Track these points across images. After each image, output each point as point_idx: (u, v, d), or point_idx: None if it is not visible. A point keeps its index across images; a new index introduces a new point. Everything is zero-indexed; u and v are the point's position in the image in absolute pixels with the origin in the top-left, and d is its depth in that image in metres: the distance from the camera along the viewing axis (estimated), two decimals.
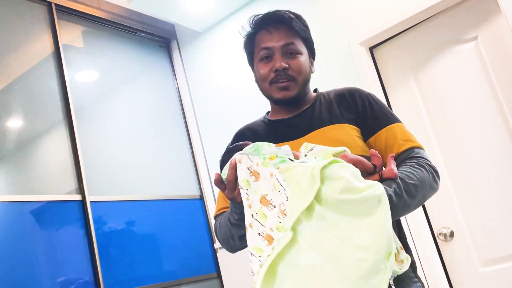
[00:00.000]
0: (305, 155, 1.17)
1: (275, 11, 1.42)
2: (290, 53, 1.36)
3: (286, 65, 1.35)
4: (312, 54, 1.46)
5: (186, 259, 3.05)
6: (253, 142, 1.19)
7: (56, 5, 2.94)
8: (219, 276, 3.17)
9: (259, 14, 1.42)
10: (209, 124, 3.44)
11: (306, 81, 1.40)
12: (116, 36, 3.36)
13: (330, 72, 2.94)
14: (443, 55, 2.67)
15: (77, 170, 2.66)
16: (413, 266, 1.26)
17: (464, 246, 2.55)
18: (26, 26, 2.80)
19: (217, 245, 3.11)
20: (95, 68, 3.14)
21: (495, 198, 2.48)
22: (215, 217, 1.42)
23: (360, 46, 2.82)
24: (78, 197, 2.60)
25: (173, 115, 3.51)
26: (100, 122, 2.99)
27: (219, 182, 1.16)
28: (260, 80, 1.41)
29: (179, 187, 3.24)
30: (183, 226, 3.12)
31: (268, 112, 1.52)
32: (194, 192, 3.32)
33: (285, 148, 1.14)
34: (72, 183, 2.63)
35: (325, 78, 2.95)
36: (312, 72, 1.45)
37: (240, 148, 1.16)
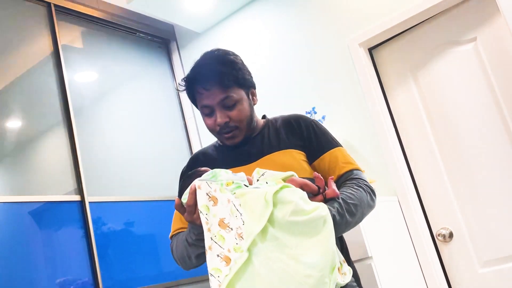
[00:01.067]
0: (257, 180, 1.28)
1: (204, 65, 1.49)
2: (228, 106, 1.45)
3: (227, 119, 1.45)
4: (252, 86, 1.54)
5: None
6: (207, 166, 1.33)
7: (55, 5, 2.94)
8: None
9: (190, 75, 1.51)
10: None
11: (249, 121, 1.50)
12: (115, 37, 3.36)
13: (329, 73, 2.94)
14: (442, 56, 2.67)
15: (76, 171, 2.66)
16: (356, 277, 1.40)
17: (463, 247, 2.55)
18: (25, 26, 2.80)
19: None
20: (94, 69, 3.14)
21: (494, 199, 2.49)
22: (171, 238, 1.53)
23: (359, 47, 2.82)
24: (77, 197, 2.60)
25: (172, 116, 3.51)
26: (99, 123, 2.99)
27: (179, 206, 1.27)
28: (209, 130, 1.53)
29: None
30: None
31: None
32: None
33: (241, 175, 1.25)
34: (71, 184, 2.63)
35: (324, 79, 2.96)
36: (255, 103, 1.55)
37: (199, 174, 1.26)
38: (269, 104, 3.10)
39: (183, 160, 3.69)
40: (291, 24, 3.11)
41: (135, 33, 3.47)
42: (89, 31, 3.20)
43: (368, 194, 1.40)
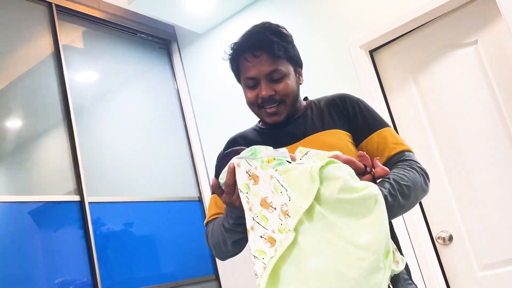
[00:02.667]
0: (300, 159, 1.18)
1: (255, 33, 1.39)
2: (275, 79, 1.37)
3: (272, 92, 1.36)
4: (299, 65, 1.46)
5: (184, 261, 3.04)
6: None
7: (56, 5, 2.94)
8: (217, 278, 3.17)
9: (238, 41, 1.40)
10: (208, 126, 3.44)
11: (295, 100, 1.42)
12: (116, 37, 3.36)
13: (330, 75, 2.94)
14: (443, 58, 2.67)
15: (76, 171, 2.66)
16: (407, 269, 1.29)
17: (463, 250, 2.54)
18: (26, 26, 2.80)
19: None
20: (95, 69, 3.14)
21: (494, 202, 2.48)
22: (206, 224, 1.43)
23: (360, 49, 2.82)
24: (76, 198, 2.60)
25: (172, 117, 3.51)
26: (99, 123, 2.99)
27: (216, 187, 1.17)
28: (249, 104, 1.44)
29: (178, 188, 3.24)
30: (182, 227, 3.12)
31: (259, 121, 1.54)
32: (192, 194, 3.31)
33: (283, 150, 1.16)
34: (71, 184, 2.63)
35: (325, 81, 2.96)
36: (301, 84, 1.46)
37: (237, 152, 1.17)
38: None
39: (183, 161, 3.71)
40: (292, 26, 3.10)
41: (136, 34, 3.47)
42: (90, 32, 3.20)
43: (421, 176, 1.27)
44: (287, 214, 1.02)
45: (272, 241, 1.00)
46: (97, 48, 3.21)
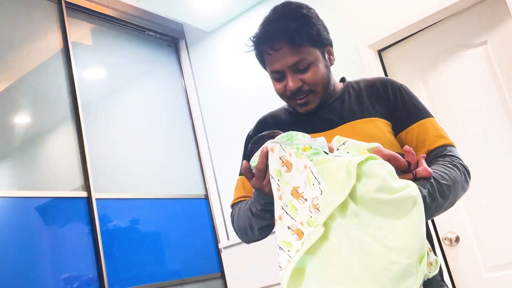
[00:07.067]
0: (337, 149, 1.11)
1: (272, 22, 1.26)
2: (301, 69, 1.25)
3: (300, 84, 1.25)
4: (327, 44, 1.32)
5: (190, 258, 3.05)
6: (276, 130, 1.16)
7: (66, 2, 2.96)
8: (222, 276, 3.17)
9: (257, 32, 1.28)
10: (216, 124, 3.45)
11: (326, 85, 1.31)
12: (124, 35, 3.37)
13: (338, 74, 2.92)
14: (452, 59, 2.65)
15: (84, 167, 2.67)
16: (440, 270, 1.21)
17: (470, 251, 2.53)
18: (35, 23, 2.81)
19: (221, 245, 3.11)
20: (103, 66, 3.16)
21: (501, 203, 2.47)
22: (232, 206, 1.37)
23: (369, 49, 2.81)
24: (84, 194, 2.61)
25: (179, 114, 3.51)
26: (107, 120, 3.00)
27: (247, 170, 1.10)
28: (278, 95, 1.33)
29: (185, 186, 3.24)
30: (188, 225, 3.13)
31: None
32: (199, 192, 3.32)
33: (321, 140, 1.09)
34: (78, 180, 2.64)
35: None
36: (332, 64, 1.34)
37: (272, 136, 1.11)
38: (277, 104, 3.10)
39: (190, 159, 3.71)
40: None
41: (145, 31, 3.48)
42: (99, 29, 3.21)
43: (462, 175, 1.19)
44: (317, 208, 0.96)
45: (300, 234, 0.95)
46: (105, 45, 3.22)
